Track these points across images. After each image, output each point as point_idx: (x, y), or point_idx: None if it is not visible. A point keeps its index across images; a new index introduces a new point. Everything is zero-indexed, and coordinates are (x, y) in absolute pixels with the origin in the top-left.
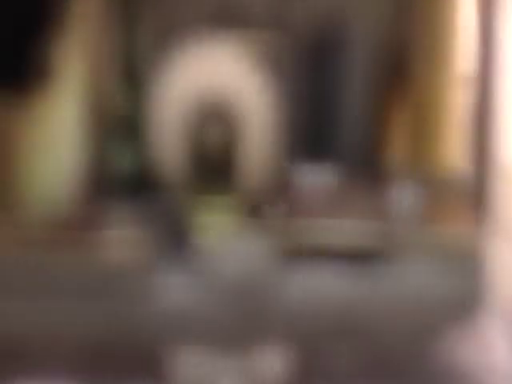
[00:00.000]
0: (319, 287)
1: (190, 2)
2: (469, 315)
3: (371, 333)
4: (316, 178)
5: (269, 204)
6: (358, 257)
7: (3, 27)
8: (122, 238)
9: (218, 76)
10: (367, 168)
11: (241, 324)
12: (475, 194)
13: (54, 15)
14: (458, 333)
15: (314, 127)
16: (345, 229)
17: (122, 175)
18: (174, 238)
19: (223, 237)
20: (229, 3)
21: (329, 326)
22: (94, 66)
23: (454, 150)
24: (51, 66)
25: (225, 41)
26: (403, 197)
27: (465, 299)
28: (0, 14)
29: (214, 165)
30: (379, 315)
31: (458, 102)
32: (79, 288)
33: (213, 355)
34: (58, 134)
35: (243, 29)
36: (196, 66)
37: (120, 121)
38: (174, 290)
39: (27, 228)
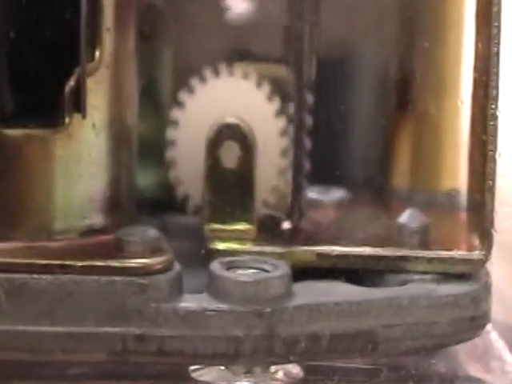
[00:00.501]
0: None
1: (210, 36)
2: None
3: None
4: (321, 201)
5: (280, 225)
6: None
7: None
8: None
9: (235, 105)
10: (371, 191)
11: None
12: (476, 216)
13: (84, 53)
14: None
15: (322, 153)
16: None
17: (144, 197)
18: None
19: (238, 257)
20: (245, 37)
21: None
22: (119, 95)
23: (455, 173)
24: (80, 98)
25: (241, 73)
26: (406, 219)
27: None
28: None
29: (230, 188)
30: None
31: (460, 127)
32: None
33: None
34: (84, 158)
35: (259, 61)
36: (215, 95)
37: (142, 145)
38: None
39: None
